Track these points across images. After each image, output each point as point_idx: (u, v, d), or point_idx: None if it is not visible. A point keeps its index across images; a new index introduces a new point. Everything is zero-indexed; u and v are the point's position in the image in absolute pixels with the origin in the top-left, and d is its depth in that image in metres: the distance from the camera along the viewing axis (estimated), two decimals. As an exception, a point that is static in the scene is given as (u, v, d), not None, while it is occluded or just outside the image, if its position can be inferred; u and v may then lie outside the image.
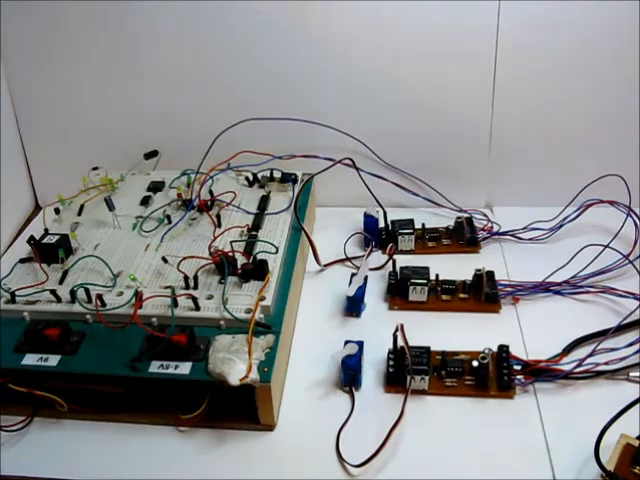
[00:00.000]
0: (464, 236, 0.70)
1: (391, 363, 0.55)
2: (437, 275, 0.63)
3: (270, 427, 0.52)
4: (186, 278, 0.56)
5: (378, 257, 0.70)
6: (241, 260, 0.59)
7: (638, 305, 0.59)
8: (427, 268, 0.64)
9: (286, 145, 0.74)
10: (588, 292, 0.63)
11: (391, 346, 0.55)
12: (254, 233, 0.63)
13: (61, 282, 0.58)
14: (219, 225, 0.65)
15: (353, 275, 0.63)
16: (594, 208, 0.68)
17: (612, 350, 0.55)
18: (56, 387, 0.52)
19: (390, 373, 0.55)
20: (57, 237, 0.61)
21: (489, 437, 0.50)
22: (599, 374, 0.54)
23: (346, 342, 0.55)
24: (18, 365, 0.52)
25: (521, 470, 0.48)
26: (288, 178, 0.71)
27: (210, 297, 0.56)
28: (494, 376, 0.54)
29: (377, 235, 0.71)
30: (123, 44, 0.74)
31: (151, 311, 0.54)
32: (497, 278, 0.63)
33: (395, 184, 0.75)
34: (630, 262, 0.64)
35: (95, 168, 0.74)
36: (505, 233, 0.72)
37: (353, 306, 0.63)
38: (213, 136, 0.70)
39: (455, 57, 0.70)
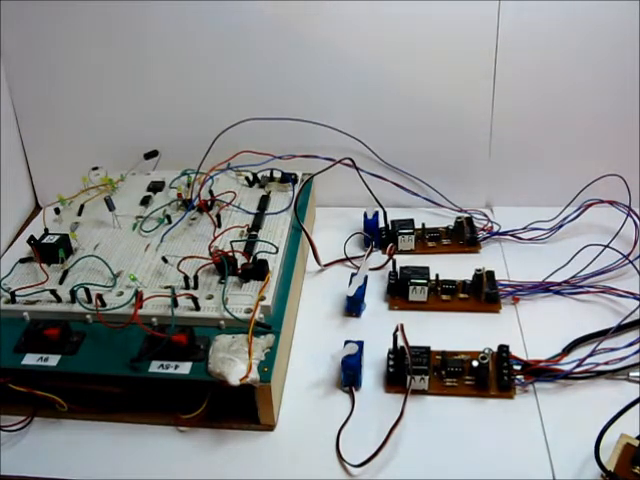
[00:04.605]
0: (464, 236, 0.70)
1: (391, 363, 0.55)
2: (437, 275, 0.63)
3: (270, 427, 0.52)
4: (186, 278, 0.56)
5: (378, 257, 0.69)
6: (241, 260, 0.59)
7: (638, 305, 0.59)
8: (427, 268, 0.64)
9: (286, 145, 0.74)
10: (588, 292, 0.63)
11: (391, 346, 0.55)
12: (254, 233, 0.63)
13: (61, 282, 0.58)
14: (219, 225, 0.65)
15: (353, 275, 0.63)
16: (594, 208, 0.68)
17: (612, 350, 0.55)
18: (56, 387, 0.52)
19: (390, 373, 0.55)
20: (57, 237, 0.61)
21: (489, 437, 0.50)
22: (599, 374, 0.54)
23: (346, 342, 0.55)
24: (18, 365, 0.52)
25: (521, 470, 0.48)
26: (288, 178, 0.71)
27: (210, 297, 0.56)
28: (494, 376, 0.54)
29: (377, 235, 0.71)
30: (123, 44, 0.74)
31: (151, 311, 0.54)
32: (497, 278, 0.63)
33: (395, 184, 0.75)
34: (630, 262, 0.64)
35: (95, 168, 0.74)
36: (505, 233, 0.72)
37: (353, 306, 0.63)
38: (213, 136, 0.70)
39: (455, 57, 0.70)
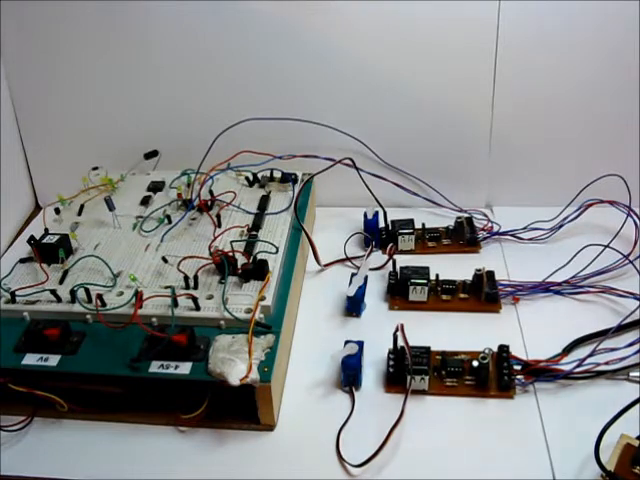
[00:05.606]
0: (464, 236, 0.70)
1: (391, 363, 0.55)
2: (437, 275, 0.63)
3: (270, 427, 0.52)
4: (186, 278, 0.56)
5: (378, 257, 0.69)
6: (241, 260, 0.59)
7: (638, 305, 0.59)
8: (427, 268, 0.64)
9: (286, 145, 0.73)
10: (588, 292, 0.63)
11: (391, 346, 0.55)
12: (254, 233, 0.63)
13: (61, 282, 0.58)
14: (219, 225, 0.65)
15: (353, 275, 0.63)
16: (594, 208, 0.68)
17: (612, 350, 0.55)
18: (56, 387, 0.52)
19: (390, 373, 0.55)
20: (57, 237, 0.61)
21: (489, 437, 0.50)
22: (599, 374, 0.54)
23: (346, 342, 0.55)
24: (18, 365, 0.52)
25: (521, 470, 0.48)
26: (288, 178, 0.71)
27: (210, 297, 0.56)
28: (494, 376, 0.54)
29: (377, 235, 0.71)
30: (123, 44, 0.74)
31: (151, 311, 0.54)
32: (497, 278, 0.63)
33: (395, 184, 0.75)
34: (630, 262, 0.64)
35: (95, 168, 0.74)
36: (505, 233, 0.71)
37: (353, 306, 0.63)
38: (213, 136, 0.70)
39: (455, 57, 0.70)
